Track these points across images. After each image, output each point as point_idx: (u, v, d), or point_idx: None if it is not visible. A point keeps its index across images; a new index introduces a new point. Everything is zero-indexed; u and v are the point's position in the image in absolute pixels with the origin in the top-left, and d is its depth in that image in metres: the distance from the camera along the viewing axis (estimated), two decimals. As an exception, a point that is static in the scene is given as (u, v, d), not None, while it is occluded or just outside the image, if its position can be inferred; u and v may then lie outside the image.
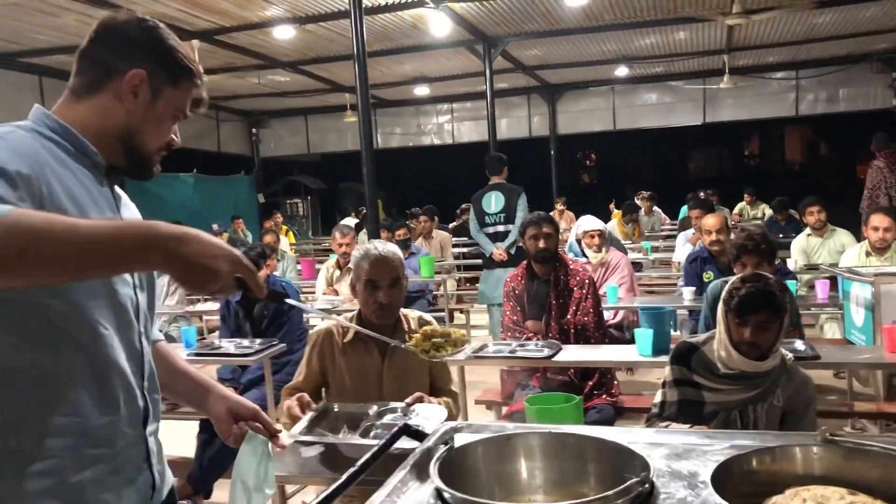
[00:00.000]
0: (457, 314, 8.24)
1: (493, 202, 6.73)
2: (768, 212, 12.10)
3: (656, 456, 1.26)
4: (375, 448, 1.28)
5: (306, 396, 2.45)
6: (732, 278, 4.02)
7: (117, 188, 1.56)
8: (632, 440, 1.29)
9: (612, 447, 1.27)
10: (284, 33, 9.94)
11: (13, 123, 1.39)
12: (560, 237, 4.66)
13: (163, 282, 6.40)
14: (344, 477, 1.18)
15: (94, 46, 1.45)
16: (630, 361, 3.61)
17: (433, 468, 1.18)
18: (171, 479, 1.61)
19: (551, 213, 6.91)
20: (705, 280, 5.22)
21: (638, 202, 12.09)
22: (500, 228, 6.64)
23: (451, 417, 2.67)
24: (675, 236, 12.51)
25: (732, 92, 14.26)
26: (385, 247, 2.77)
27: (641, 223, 10.86)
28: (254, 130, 17.60)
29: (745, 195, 14.14)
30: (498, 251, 6.56)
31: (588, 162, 36.54)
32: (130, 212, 1.56)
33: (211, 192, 15.29)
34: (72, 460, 1.32)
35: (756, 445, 1.28)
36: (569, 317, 3.96)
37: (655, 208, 12.75)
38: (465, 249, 10.97)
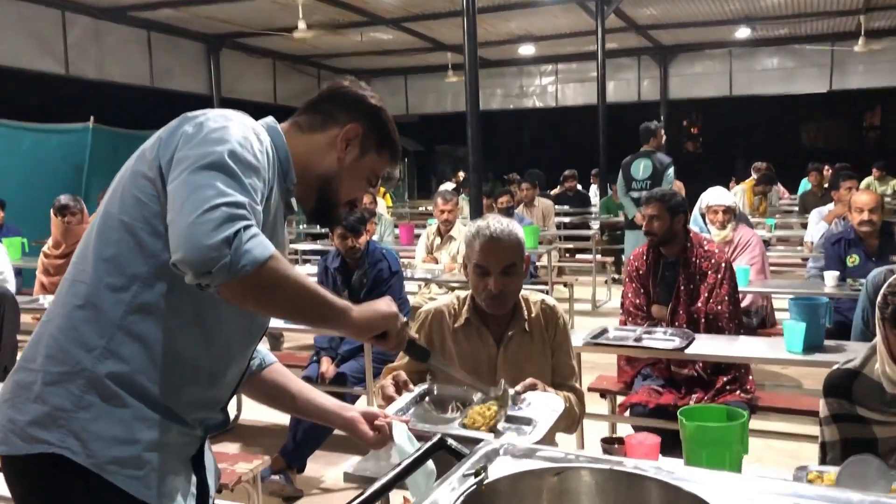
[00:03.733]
0: (558, 287, 7.84)
1: (641, 169, 7.16)
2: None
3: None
4: (406, 462, 1.21)
5: (403, 375, 2.13)
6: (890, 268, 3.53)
7: None
8: (729, 490, 1.02)
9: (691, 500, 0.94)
10: (389, -12, 9.64)
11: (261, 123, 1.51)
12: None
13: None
14: (367, 493, 1.08)
15: (325, 101, 1.60)
16: (776, 359, 3.15)
17: None
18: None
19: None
20: (849, 265, 4.66)
21: (754, 175, 11.28)
22: (645, 194, 6.44)
23: (570, 417, 2.32)
24: (793, 212, 11.75)
25: (863, 57, 13.12)
26: (501, 225, 2.33)
27: (770, 197, 10.08)
28: (354, 90, 17.45)
29: (874, 169, 13.02)
30: (640, 214, 6.42)
31: (693, 129, 35.05)
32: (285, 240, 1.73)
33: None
34: (166, 431, 1.41)
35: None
36: (699, 304, 3.52)
37: (774, 181, 11.89)
38: (567, 219, 10.48)
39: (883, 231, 4.58)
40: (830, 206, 6.43)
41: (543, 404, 1.92)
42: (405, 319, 1.55)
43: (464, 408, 2.02)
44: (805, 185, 14.03)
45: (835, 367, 2.21)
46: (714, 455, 1.69)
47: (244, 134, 1.36)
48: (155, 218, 1.34)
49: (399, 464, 1.21)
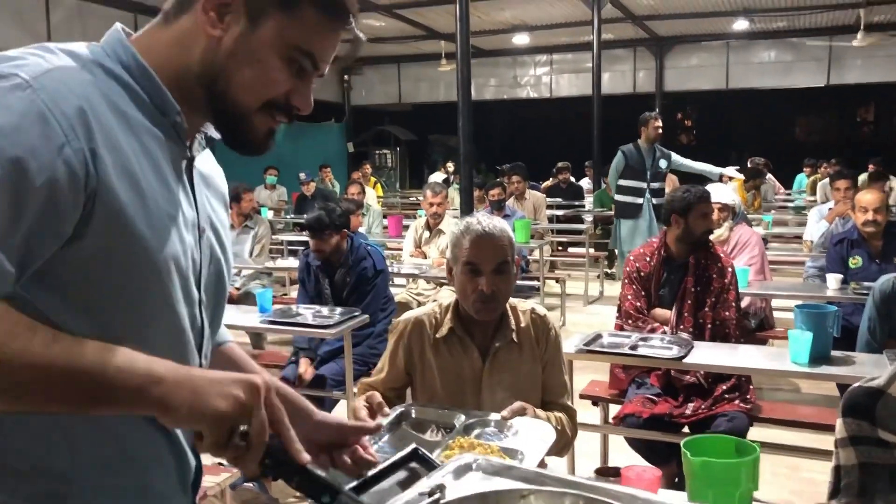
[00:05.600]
0: (550, 283, 7.66)
1: (654, 158, 7.42)
2: (896, 185, 10.94)
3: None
4: (371, 473, 1.15)
5: (377, 397, 1.92)
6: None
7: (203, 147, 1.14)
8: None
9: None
10: (381, -27, 9.40)
11: (76, 47, 0.99)
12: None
13: (248, 237, 6.05)
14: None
15: None
16: (781, 371, 2.97)
17: None
18: None
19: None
20: (851, 266, 4.50)
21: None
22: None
23: (562, 440, 2.12)
24: (787, 207, 11.60)
25: (861, 52, 12.95)
26: (491, 221, 2.18)
27: (761, 192, 9.93)
28: (346, 77, 17.19)
29: (870, 166, 12.88)
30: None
31: (687, 122, 34.94)
32: (211, 189, 1.16)
33: (300, 140, 14.98)
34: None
35: None
36: (706, 310, 3.34)
37: (768, 175, 11.73)
38: (559, 212, 10.29)
39: (887, 232, 4.40)
40: (830, 204, 6.26)
41: (532, 433, 1.73)
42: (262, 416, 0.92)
43: (446, 432, 1.83)
44: (801, 180, 13.91)
45: (856, 384, 2.03)
46: (722, 495, 1.51)
47: None
48: None
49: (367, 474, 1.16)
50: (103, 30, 1.05)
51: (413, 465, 1.26)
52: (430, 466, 1.24)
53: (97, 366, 0.85)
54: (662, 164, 7.42)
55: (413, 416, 1.92)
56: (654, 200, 7.34)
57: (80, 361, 0.85)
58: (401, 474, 1.25)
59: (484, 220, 2.18)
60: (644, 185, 7.39)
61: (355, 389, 3.72)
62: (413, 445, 1.30)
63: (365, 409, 1.89)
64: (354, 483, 1.15)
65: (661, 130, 7.38)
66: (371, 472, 1.17)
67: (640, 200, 7.42)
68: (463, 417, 1.86)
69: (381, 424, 1.41)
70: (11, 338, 0.81)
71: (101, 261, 0.92)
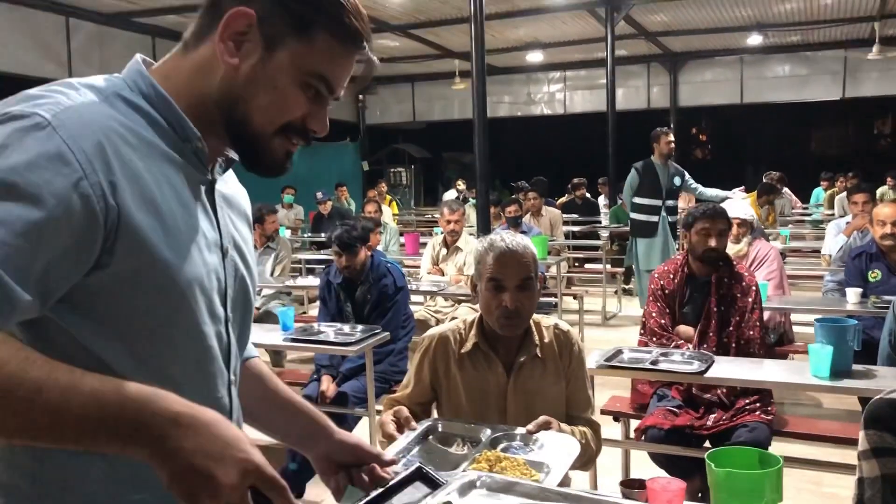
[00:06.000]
0: (567, 299, 7.67)
1: (669, 176, 7.30)
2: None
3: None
4: (376, 492, 1.15)
5: (405, 411, 1.96)
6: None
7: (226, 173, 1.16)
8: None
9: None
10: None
11: (97, 81, 1.02)
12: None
13: (270, 257, 6.11)
14: None
15: None
16: (801, 384, 2.98)
17: None
18: None
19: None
20: (871, 280, 4.49)
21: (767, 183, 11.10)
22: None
23: (587, 454, 2.15)
24: (805, 222, 11.56)
25: (877, 64, 12.95)
26: (514, 238, 2.24)
27: (776, 207, 9.92)
28: (360, 97, 17.35)
29: (888, 179, 12.82)
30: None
31: (702, 137, 34.86)
32: (234, 210, 1.19)
33: (316, 159, 15.10)
34: None
35: None
36: (731, 328, 3.35)
37: (785, 190, 11.71)
38: (575, 228, 10.31)
39: (906, 245, 4.40)
40: (848, 217, 6.25)
41: (557, 447, 1.76)
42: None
43: (472, 445, 1.86)
44: (818, 193, 13.86)
45: (877, 396, 2.04)
46: (747, 505, 1.53)
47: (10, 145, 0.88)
48: None
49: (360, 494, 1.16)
50: (123, 54, 1.12)
51: (418, 483, 1.28)
52: (435, 485, 1.25)
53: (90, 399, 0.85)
54: (677, 181, 7.33)
55: (440, 430, 1.95)
56: (670, 218, 7.30)
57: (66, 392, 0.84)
58: (407, 494, 1.26)
59: (507, 237, 2.24)
60: (659, 202, 7.29)
61: (378, 407, 3.76)
62: (417, 464, 1.31)
63: (392, 423, 1.92)
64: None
65: (673, 145, 7.31)
66: (375, 493, 1.18)
67: (654, 218, 7.29)
68: (489, 431, 1.89)
69: (395, 460, 1.39)
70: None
71: (129, 285, 0.96)
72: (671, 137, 7.27)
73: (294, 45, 1.02)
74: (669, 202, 7.34)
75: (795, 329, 5.21)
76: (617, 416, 3.63)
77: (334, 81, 1.06)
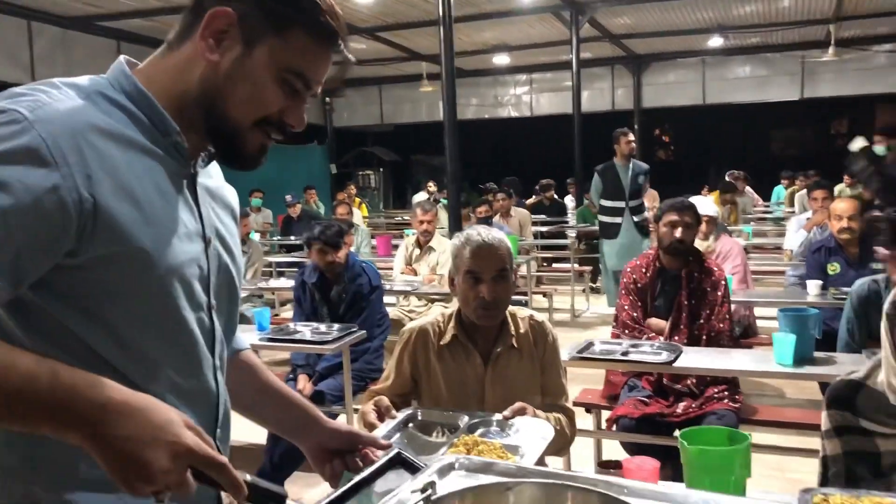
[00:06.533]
0: (537, 297, 7.78)
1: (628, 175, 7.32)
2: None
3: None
4: (357, 479, 1.16)
5: (385, 401, 2.03)
6: (880, 276, 3.49)
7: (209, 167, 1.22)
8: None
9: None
10: (364, -3, 9.55)
11: (80, 81, 1.09)
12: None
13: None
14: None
15: None
16: (766, 372, 3.10)
17: None
18: None
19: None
20: (830, 273, 4.64)
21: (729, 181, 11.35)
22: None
23: (561, 440, 2.24)
24: (766, 219, 11.82)
25: (833, 66, 13.29)
26: (490, 233, 2.32)
27: (739, 205, 10.14)
28: (327, 99, 17.33)
29: (846, 176, 13.15)
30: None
31: (665, 138, 35.30)
32: (218, 202, 1.23)
33: (284, 162, 15.06)
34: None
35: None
36: (702, 321, 3.46)
37: (747, 188, 11.97)
38: (543, 228, 10.44)
39: (863, 239, 4.56)
40: (808, 214, 6.44)
41: (532, 431, 1.83)
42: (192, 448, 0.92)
43: (451, 432, 1.93)
44: (779, 191, 14.17)
45: (837, 378, 2.15)
46: (717, 481, 1.62)
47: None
48: None
49: (353, 479, 1.18)
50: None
51: (397, 468, 1.29)
52: (414, 469, 1.27)
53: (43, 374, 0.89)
54: (640, 179, 7.39)
55: (420, 418, 2.02)
56: (636, 217, 7.35)
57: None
58: (388, 480, 1.29)
59: (483, 231, 2.32)
60: (622, 204, 7.34)
61: (355, 405, 3.81)
62: (396, 450, 1.33)
63: (374, 412, 1.99)
64: (339, 492, 1.17)
65: (634, 145, 7.36)
66: (356, 479, 1.21)
67: (618, 220, 7.33)
68: (466, 418, 1.96)
69: (391, 444, 1.44)
70: None
71: (109, 272, 1.01)
72: (630, 137, 7.31)
73: (272, 42, 1.07)
74: (633, 202, 7.38)
75: (759, 322, 5.37)
76: (589, 408, 3.72)
77: (311, 78, 1.12)
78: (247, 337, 4.01)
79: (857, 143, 7.20)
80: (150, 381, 1.06)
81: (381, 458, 1.30)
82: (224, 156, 1.15)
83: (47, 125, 0.95)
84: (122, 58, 1.12)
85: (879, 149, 7.21)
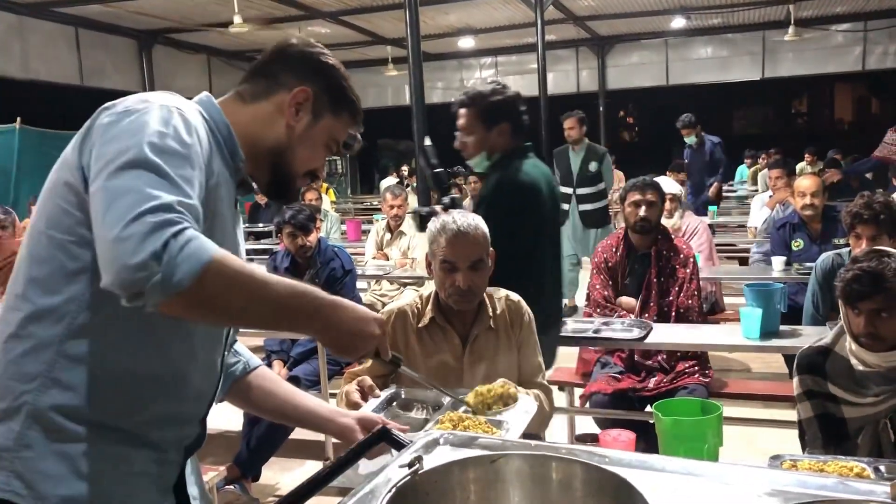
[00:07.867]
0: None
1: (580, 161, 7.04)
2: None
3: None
4: (346, 453, 1.22)
5: (368, 380, 2.07)
6: (844, 250, 3.60)
7: None
8: (653, 470, 1.15)
9: (617, 484, 1.03)
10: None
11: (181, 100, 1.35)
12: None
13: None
14: (304, 482, 1.11)
15: (270, 63, 1.46)
16: (734, 345, 3.18)
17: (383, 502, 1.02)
18: None
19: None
20: (794, 249, 4.76)
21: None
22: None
23: (541, 416, 2.29)
24: (730, 198, 12.00)
25: (793, 45, 13.48)
26: (466, 220, 2.32)
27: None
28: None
29: (806, 154, 13.42)
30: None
31: (629, 119, 35.55)
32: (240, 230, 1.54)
33: (249, 149, 14.95)
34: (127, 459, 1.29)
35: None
36: (671, 298, 3.53)
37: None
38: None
39: (825, 215, 4.68)
40: (771, 192, 6.57)
41: (516, 406, 1.87)
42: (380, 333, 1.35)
43: (432, 411, 1.96)
44: (742, 171, 14.39)
45: (806, 345, 2.24)
46: (691, 449, 1.68)
47: (165, 117, 1.21)
48: (81, 228, 1.21)
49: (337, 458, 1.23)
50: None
51: (383, 444, 1.33)
52: (400, 445, 1.30)
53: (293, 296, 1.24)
54: (593, 166, 6.94)
55: (403, 396, 2.05)
56: (581, 207, 6.96)
57: (280, 291, 1.21)
58: (376, 458, 1.34)
59: (459, 218, 2.32)
60: (570, 190, 6.93)
61: (331, 389, 3.83)
62: (381, 426, 1.38)
63: (357, 392, 2.02)
64: (318, 475, 1.19)
65: (573, 131, 6.99)
66: (342, 455, 1.23)
67: (566, 206, 6.79)
68: (448, 397, 2.00)
69: (408, 427, 1.61)
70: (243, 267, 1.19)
71: None
72: (569, 123, 7.01)
73: (329, 117, 1.46)
74: (582, 190, 6.97)
75: (726, 299, 5.49)
76: (562, 386, 3.79)
77: (341, 143, 1.51)
78: (220, 324, 4.07)
79: None
80: (189, 360, 1.35)
81: (367, 434, 1.35)
82: (276, 192, 1.50)
83: (187, 117, 1.29)
84: (205, 93, 1.41)
85: None
